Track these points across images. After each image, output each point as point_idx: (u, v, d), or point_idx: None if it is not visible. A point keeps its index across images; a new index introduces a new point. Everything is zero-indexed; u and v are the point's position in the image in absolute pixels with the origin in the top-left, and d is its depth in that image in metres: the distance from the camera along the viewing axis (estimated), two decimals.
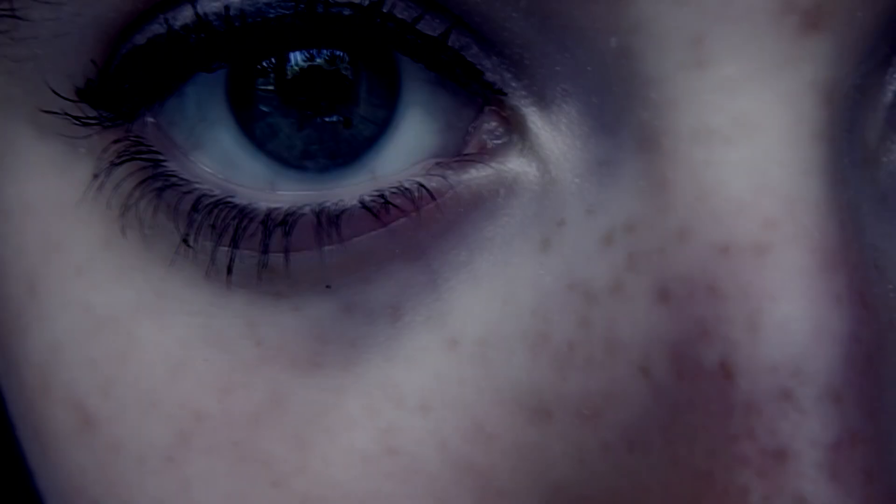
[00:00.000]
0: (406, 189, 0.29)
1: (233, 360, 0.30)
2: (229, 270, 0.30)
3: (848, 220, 0.27)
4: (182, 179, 0.30)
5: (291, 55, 0.29)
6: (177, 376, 0.30)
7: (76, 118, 0.30)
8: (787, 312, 0.26)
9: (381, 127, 0.30)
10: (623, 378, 0.28)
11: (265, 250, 0.29)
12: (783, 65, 0.26)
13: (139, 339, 0.31)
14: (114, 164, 0.30)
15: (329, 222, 0.29)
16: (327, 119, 0.30)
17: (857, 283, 0.26)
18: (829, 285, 0.26)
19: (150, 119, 0.30)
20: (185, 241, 0.30)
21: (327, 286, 0.30)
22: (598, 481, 0.28)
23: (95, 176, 0.31)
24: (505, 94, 0.29)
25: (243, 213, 0.29)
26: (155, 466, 0.31)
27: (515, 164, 0.29)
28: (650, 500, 0.27)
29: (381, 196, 0.29)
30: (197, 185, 0.30)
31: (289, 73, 0.29)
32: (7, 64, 0.30)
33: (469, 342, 0.29)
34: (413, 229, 0.29)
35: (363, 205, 0.29)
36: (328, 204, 0.29)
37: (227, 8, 0.28)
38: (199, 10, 0.28)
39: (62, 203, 0.31)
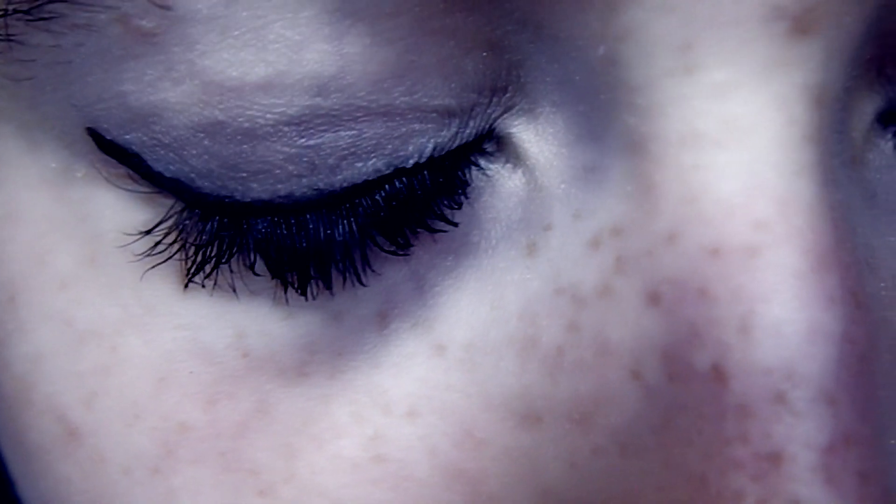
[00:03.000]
0: None
1: (219, 371, 0.30)
2: (220, 284, 0.29)
3: (840, 220, 0.27)
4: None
5: None
6: (161, 389, 0.30)
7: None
8: (779, 314, 0.26)
9: None
10: (614, 382, 0.27)
11: (253, 268, 0.29)
12: (773, 69, 0.26)
13: (123, 353, 0.30)
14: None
15: None
16: None
17: (849, 283, 0.26)
18: (822, 286, 0.26)
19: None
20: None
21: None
22: (589, 485, 0.28)
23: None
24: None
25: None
26: (141, 477, 0.30)
27: (501, 171, 0.29)
28: None
29: None
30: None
31: None
32: (1, 80, 0.29)
33: (456, 348, 0.29)
34: None
35: None
36: None
37: None
38: None
39: (49, 217, 0.31)
